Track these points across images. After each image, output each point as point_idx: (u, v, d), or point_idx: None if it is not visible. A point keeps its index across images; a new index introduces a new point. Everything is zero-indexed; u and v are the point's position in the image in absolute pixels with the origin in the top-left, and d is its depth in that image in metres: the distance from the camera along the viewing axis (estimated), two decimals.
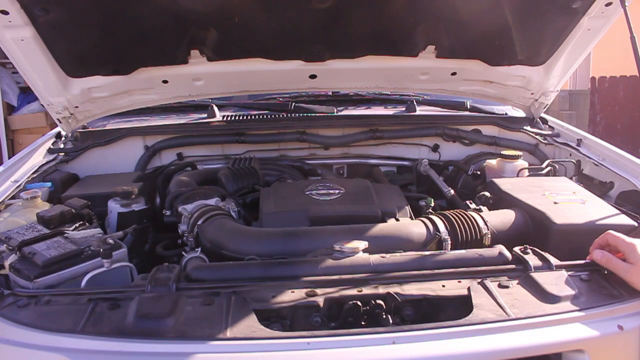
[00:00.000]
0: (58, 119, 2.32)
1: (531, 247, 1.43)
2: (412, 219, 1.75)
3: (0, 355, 1.10)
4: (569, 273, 1.32)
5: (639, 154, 2.17)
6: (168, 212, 1.92)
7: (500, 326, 1.15)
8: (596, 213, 1.62)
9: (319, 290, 1.26)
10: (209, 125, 2.60)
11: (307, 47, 2.20)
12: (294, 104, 2.74)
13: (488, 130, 2.66)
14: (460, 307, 1.24)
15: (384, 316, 1.23)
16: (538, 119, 2.66)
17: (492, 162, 2.29)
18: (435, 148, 2.65)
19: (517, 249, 1.43)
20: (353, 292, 1.26)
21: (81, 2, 1.84)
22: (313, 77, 2.39)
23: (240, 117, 2.72)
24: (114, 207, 1.87)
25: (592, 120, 8.18)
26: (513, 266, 1.38)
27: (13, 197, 1.88)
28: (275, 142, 2.59)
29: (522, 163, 2.20)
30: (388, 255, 1.41)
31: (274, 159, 2.52)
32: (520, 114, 2.77)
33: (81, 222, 1.70)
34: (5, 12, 1.77)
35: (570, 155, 2.30)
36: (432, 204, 1.87)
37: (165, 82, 2.30)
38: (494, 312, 1.19)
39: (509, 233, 1.63)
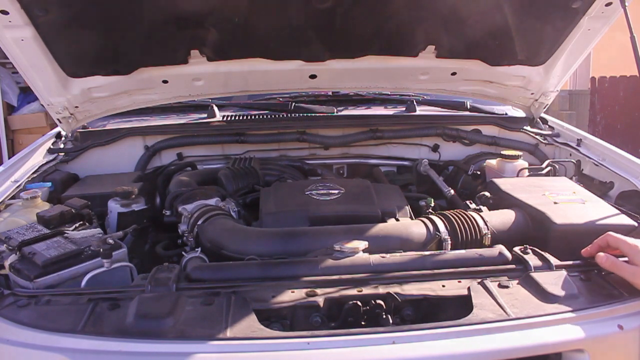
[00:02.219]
0: (58, 119, 2.32)
1: (531, 247, 1.43)
2: (412, 219, 1.75)
3: (0, 355, 1.10)
4: (569, 273, 1.32)
5: (639, 154, 2.17)
6: (168, 212, 1.92)
7: (500, 326, 1.15)
8: (596, 213, 1.62)
9: (319, 290, 1.26)
10: (209, 125, 2.60)
11: (307, 47, 2.20)
12: (294, 104, 2.75)
13: (488, 130, 2.66)
14: (460, 307, 1.24)
15: (384, 316, 1.23)
16: (538, 119, 2.66)
17: (492, 162, 2.29)
18: (435, 148, 2.65)
19: (517, 249, 1.43)
20: (353, 292, 1.26)
21: (81, 2, 1.84)
22: (313, 77, 2.39)
23: (240, 117, 2.72)
24: (114, 207, 1.87)
25: (592, 120, 8.18)
26: (513, 266, 1.38)
27: (13, 197, 1.88)
28: (275, 142, 2.59)
29: (522, 163, 2.20)
30: (388, 255, 1.41)
31: (274, 159, 2.52)
32: (520, 114, 2.77)
33: (81, 222, 1.70)
34: (5, 12, 1.77)
35: (570, 155, 2.30)
36: (432, 204, 1.87)
37: (165, 82, 2.30)
38: (494, 312, 1.19)
39: (509, 233, 1.63)
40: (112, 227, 1.87)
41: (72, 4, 1.84)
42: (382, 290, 1.27)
